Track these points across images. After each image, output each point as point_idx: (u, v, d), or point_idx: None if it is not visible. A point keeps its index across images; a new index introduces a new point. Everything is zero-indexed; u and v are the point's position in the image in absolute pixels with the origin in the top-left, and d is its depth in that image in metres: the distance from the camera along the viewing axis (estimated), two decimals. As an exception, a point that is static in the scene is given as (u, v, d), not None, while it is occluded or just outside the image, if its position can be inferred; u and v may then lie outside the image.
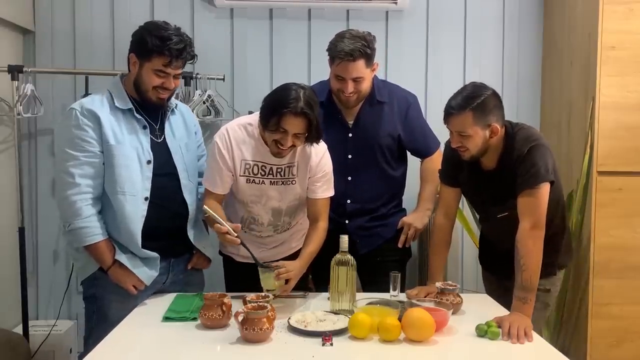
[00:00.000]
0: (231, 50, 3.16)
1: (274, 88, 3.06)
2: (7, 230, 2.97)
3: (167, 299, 2.06)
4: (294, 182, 2.15)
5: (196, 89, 3.02)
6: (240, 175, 2.13)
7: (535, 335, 1.77)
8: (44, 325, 3.03)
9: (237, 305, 1.82)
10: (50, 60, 3.11)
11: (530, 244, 1.89)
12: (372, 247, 2.42)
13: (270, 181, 2.13)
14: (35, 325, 3.02)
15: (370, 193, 2.43)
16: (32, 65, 3.02)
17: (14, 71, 2.82)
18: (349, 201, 2.41)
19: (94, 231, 2.01)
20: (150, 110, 2.11)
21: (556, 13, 3.10)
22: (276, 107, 1.95)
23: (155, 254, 2.09)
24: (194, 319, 1.85)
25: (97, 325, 2.04)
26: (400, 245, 2.42)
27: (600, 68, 2.62)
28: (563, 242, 2.16)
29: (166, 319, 1.88)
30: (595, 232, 2.64)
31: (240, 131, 2.12)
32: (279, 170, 2.13)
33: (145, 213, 2.06)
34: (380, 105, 2.41)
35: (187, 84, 3.01)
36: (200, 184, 2.25)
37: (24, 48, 3.11)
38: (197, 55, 2.13)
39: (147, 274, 2.07)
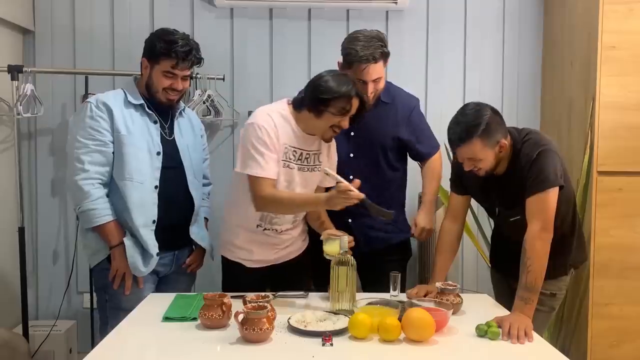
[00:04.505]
0: (231, 50, 3.16)
1: (273, 88, 3.15)
2: (7, 230, 2.97)
3: (167, 299, 2.06)
4: (318, 169, 2.21)
5: (196, 89, 3.03)
6: (280, 160, 2.13)
7: (535, 335, 1.76)
8: (44, 325, 3.03)
9: (237, 305, 1.82)
10: (50, 60, 3.11)
11: (538, 246, 1.90)
12: (376, 246, 2.41)
13: (298, 167, 2.16)
14: (35, 325, 3.02)
15: (372, 192, 2.41)
16: (32, 65, 3.02)
17: (14, 71, 2.81)
18: None
19: (103, 212, 2.12)
20: (160, 111, 2.26)
21: (556, 13, 3.10)
22: (342, 92, 2.03)
23: (155, 250, 2.17)
24: (194, 319, 1.85)
25: (112, 314, 2.15)
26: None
27: (600, 68, 2.62)
28: (574, 241, 2.15)
29: (166, 319, 1.88)
30: (595, 232, 2.64)
31: (278, 117, 2.13)
32: (307, 156, 2.17)
33: (156, 201, 2.17)
34: (384, 106, 2.40)
35: (187, 83, 3.01)
36: (204, 185, 2.41)
37: (24, 48, 3.11)
38: (203, 59, 2.26)
39: (138, 269, 2.15)
